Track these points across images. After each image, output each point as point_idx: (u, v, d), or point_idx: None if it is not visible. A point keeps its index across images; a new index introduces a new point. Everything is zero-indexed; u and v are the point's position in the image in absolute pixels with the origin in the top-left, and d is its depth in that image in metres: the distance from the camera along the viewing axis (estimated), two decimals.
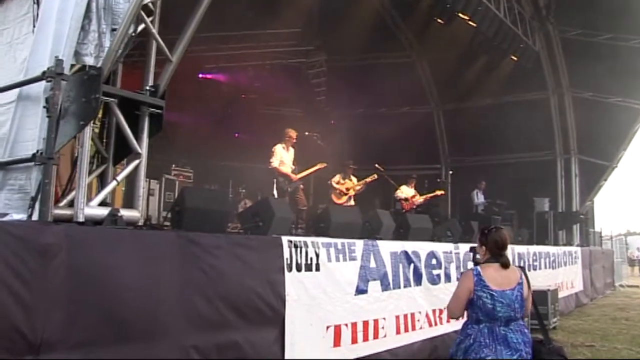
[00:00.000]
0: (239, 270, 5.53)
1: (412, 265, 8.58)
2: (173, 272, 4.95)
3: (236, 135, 19.96)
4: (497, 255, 4.83)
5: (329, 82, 20.43)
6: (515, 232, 15.13)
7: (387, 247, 8.08)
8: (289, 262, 6.17)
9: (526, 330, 4.75)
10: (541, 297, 11.67)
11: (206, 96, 18.18)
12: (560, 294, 13.73)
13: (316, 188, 18.50)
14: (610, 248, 25.81)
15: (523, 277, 4.80)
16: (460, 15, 14.58)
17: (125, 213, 5.30)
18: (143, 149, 5.59)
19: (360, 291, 7.35)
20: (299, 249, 6.33)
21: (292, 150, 12.08)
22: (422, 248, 8.97)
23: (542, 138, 19.81)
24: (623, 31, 16.88)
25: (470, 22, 14.85)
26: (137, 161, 5.53)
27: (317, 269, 6.59)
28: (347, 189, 13.92)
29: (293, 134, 12.03)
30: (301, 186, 12.18)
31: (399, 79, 19.48)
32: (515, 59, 17.28)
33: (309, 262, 6.46)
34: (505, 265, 4.78)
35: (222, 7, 15.09)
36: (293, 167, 12.01)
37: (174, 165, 14.98)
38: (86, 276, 4.30)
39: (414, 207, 15.87)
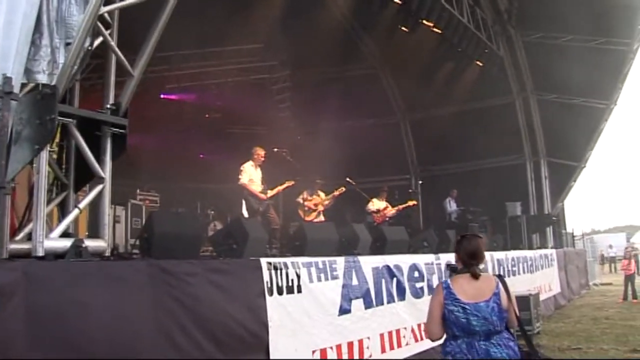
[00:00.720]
0: (216, 297, 5.14)
1: (394, 279, 8.27)
2: (145, 304, 4.53)
3: (201, 156, 19.53)
4: (468, 264, 4.43)
5: (293, 98, 20.12)
6: (490, 238, 15.00)
7: (369, 263, 7.75)
8: (269, 285, 5.79)
9: (512, 344, 4.27)
10: (523, 302, 11.41)
11: (169, 117, 17.70)
12: (540, 298, 13.53)
13: (286, 206, 18.19)
14: (582, 248, 25.87)
15: (500, 286, 4.33)
16: (425, 22, 14.43)
17: (90, 243, 4.86)
18: (106, 173, 5.14)
19: (344, 311, 6.99)
20: (279, 271, 5.95)
21: (259, 169, 11.80)
22: (403, 261, 8.68)
23: (510, 142, 19.77)
24: (584, 32, 16.96)
25: (435, 29, 14.71)
26: (100, 186, 5.07)
27: (299, 291, 6.22)
28: (316, 205, 13.66)
29: (261, 152, 11.77)
30: (271, 204, 11.82)
31: (364, 91, 19.41)
32: (480, 64, 17.16)
33: (290, 284, 6.08)
34: (475, 275, 4.36)
35: (183, 25, 14.90)
36: (262, 186, 11.69)
37: (138, 190, 14.46)
38: (49, 317, 3.87)
39: (386, 219, 15.62)
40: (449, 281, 4.43)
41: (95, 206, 5.41)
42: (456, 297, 4.28)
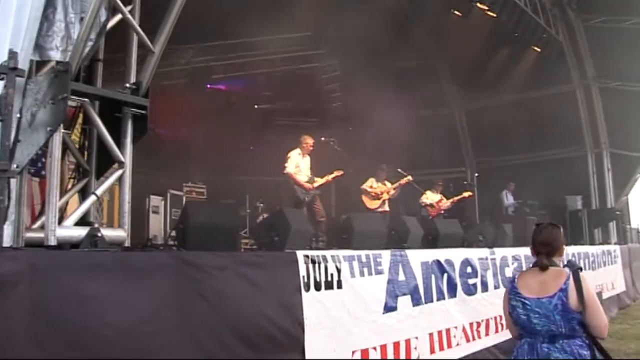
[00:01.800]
0: (247, 293, 4.74)
1: (445, 275, 7.73)
2: (166, 300, 4.16)
3: (251, 148, 19.26)
4: (539, 255, 4.08)
5: (344, 87, 19.67)
6: None
7: (417, 257, 7.23)
8: (306, 280, 5.35)
9: (585, 352, 3.77)
10: None
11: (216, 108, 17.44)
12: (603, 297, 12.78)
13: (338, 198, 17.84)
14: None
15: (569, 282, 3.84)
16: (479, 5, 13.82)
17: (108, 233, 4.52)
18: (127, 157, 4.79)
19: (389, 308, 6.49)
20: (317, 265, 5.51)
21: (307, 158, 11.48)
22: (455, 256, 8.12)
23: (570, 133, 18.92)
24: None
25: (489, 12, 14.08)
26: (120, 171, 4.73)
27: (339, 286, 5.76)
28: (381, 193, 13.30)
29: (310, 140, 11.41)
30: (318, 195, 11.43)
31: (417, 80, 18.71)
32: (538, 50, 16.39)
33: (329, 279, 5.63)
34: (542, 267, 3.98)
35: (227, 14, 14.69)
36: (309, 175, 11.33)
37: (185, 183, 14.28)
38: (56, 312, 3.52)
39: (441, 212, 15.15)
40: (515, 275, 4.19)
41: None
42: (518, 291, 3.99)
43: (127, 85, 4.90)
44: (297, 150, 11.30)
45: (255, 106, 19.13)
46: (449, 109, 21.29)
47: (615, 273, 15.88)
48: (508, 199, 17.66)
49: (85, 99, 4.58)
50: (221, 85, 17.92)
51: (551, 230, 4.22)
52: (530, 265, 4.28)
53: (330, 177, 11.61)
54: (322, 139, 12.07)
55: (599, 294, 11.74)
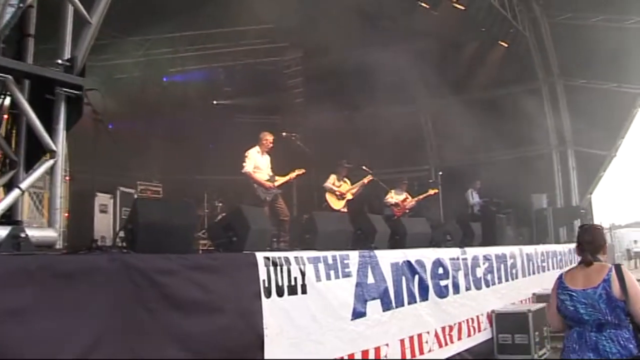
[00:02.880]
0: (198, 301, 4.16)
1: (416, 277, 7.27)
2: (103, 311, 3.56)
3: (211, 145, 18.56)
4: (583, 253, 4.41)
5: (307, 83, 19.13)
6: (515, 231, 14.05)
7: (387, 258, 6.74)
8: (266, 284, 4.79)
9: (631, 346, 4.06)
10: None
11: (173, 103, 16.75)
12: None
13: (300, 197, 17.31)
14: (611, 242, 24.69)
15: (612, 273, 4.17)
16: None
17: (35, 233, 3.88)
18: (59, 145, 4.13)
19: (358, 314, 5.97)
20: (278, 268, 4.95)
21: (267, 156, 11.03)
22: (426, 256, 7.68)
23: (535, 131, 18.63)
24: (616, 11, 15.91)
25: (458, 5, 13.67)
26: (51, 162, 4.08)
27: (304, 291, 5.21)
28: (345, 192, 12.86)
29: (269, 137, 10.95)
30: (280, 194, 10.93)
31: (381, 77, 18.27)
32: (505, 45, 16.09)
33: (292, 283, 5.07)
34: (587, 263, 4.32)
35: (187, 5, 14.11)
36: (270, 174, 10.83)
37: (140, 181, 13.56)
38: None
39: (406, 211, 14.79)
40: (562, 272, 4.52)
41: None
42: (565, 285, 4.33)
43: (60, 61, 4.22)
44: (256, 149, 10.86)
45: (214, 102, 18.43)
46: (413, 106, 20.90)
47: None
48: (473, 197, 17.35)
49: (8, 76, 3.90)
50: (178, 78, 17.16)
51: (594, 230, 4.56)
52: (575, 263, 4.56)
53: (292, 175, 11.19)
54: (284, 134, 11.58)
55: None
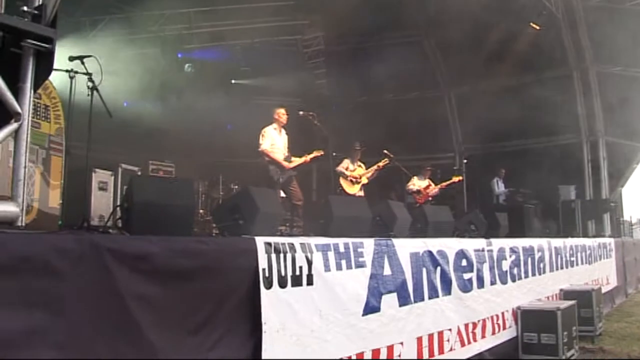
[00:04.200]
0: (185, 291, 3.58)
1: (438, 269, 6.63)
2: (66, 302, 3.00)
3: (228, 127, 18.08)
4: None
5: (329, 64, 18.59)
6: (541, 223, 13.42)
7: (406, 247, 6.09)
8: (267, 274, 4.19)
9: None
10: (585, 298, 9.98)
11: (188, 80, 16.25)
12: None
13: (319, 182, 16.85)
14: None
15: None
16: None
17: None
18: (25, 107, 3.53)
19: (371, 309, 5.34)
20: (281, 255, 4.35)
21: (284, 135, 10.56)
22: (449, 246, 7.02)
23: (565, 120, 18.15)
24: None
25: None
26: (14, 125, 3.50)
27: (310, 282, 4.60)
28: (359, 177, 12.45)
29: (283, 114, 10.53)
30: (295, 177, 10.42)
31: (406, 60, 17.69)
32: (536, 28, 15.34)
33: (297, 272, 4.47)
34: None
35: None
36: (286, 153, 10.35)
37: (152, 160, 13.17)
38: None
39: (429, 199, 14.40)
40: None
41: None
42: None
43: (26, 9, 3.62)
44: (273, 126, 10.42)
45: (233, 81, 17.91)
46: (438, 91, 20.39)
47: (610, 267, 15.08)
48: (499, 187, 16.83)
49: None
50: (195, 55, 16.64)
51: None
52: None
53: (309, 157, 10.73)
54: (301, 113, 11.03)
55: (599, 290, 10.82)
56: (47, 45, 3.58)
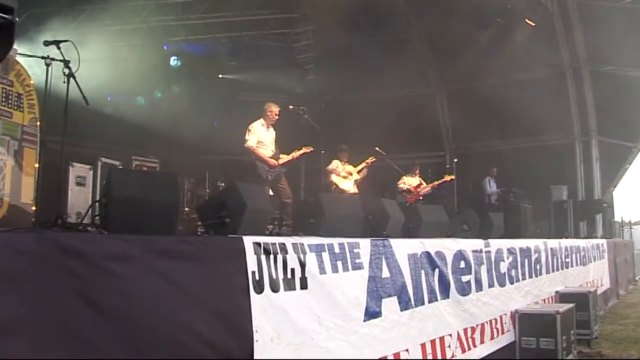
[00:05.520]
0: (165, 297, 3.18)
1: (436, 271, 6.30)
2: (29, 310, 2.59)
3: (215, 123, 17.68)
4: None
5: (318, 59, 18.30)
6: (534, 224, 13.19)
7: (404, 248, 5.73)
8: (257, 277, 3.80)
9: None
10: (582, 301, 9.69)
11: (173, 72, 15.84)
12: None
13: (308, 180, 16.49)
14: (630, 239, 23.78)
15: None
16: None
17: None
18: None
19: (372, 314, 4.98)
20: (272, 256, 3.97)
21: (272, 130, 10.19)
22: (447, 247, 6.70)
23: (557, 119, 17.91)
24: None
25: None
26: None
27: (304, 286, 4.22)
28: (349, 173, 12.31)
29: (275, 108, 10.13)
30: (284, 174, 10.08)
31: (395, 57, 17.45)
32: (531, 24, 15.07)
33: (289, 275, 4.09)
34: None
35: None
36: (274, 150, 9.97)
37: (135, 156, 12.77)
38: None
39: (419, 198, 14.09)
40: None
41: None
42: None
43: None
44: (260, 121, 10.04)
45: (220, 76, 17.51)
46: (428, 89, 20.12)
47: (603, 269, 14.92)
48: (491, 186, 16.69)
49: None
50: (181, 47, 16.23)
51: None
52: None
53: (297, 153, 10.40)
54: (290, 107, 10.68)
55: (595, 292, 10.55)
56: (6, 16, 3.17)
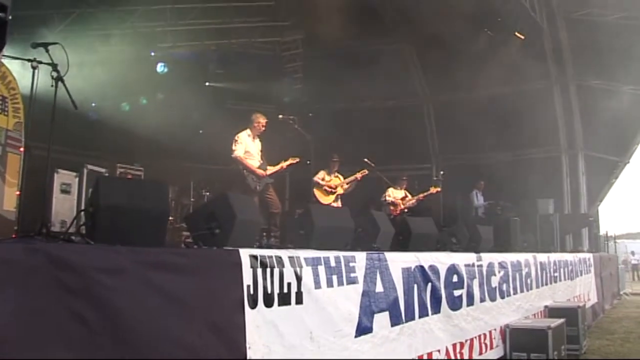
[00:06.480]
0: (157, 311, 3.04)
1: (429, 285, 6.19)
2: (15, 324, 2.43)
3: (200, 131, 17.49)
4: None
5: (306, 68, 18.16)
6: (520, 237, 13.17)
7: (398, 262, 5.62)
8: (252, 292, 3.67)
9: None
10: (571, 316, 9.51)
11: (160, 79, 15.65)
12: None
13: (292, 190, 16.33)
14: (614, 253, 23.87)
15: None
16: None
17: None
18: None
19: (363, 330, 4.85)
20: (268, 270, 3.83)
21: (258, 141, 10.10)
22: (441, 261, 6.59)
23: (544, 133, 18.12)
24: (636, 8, 15.18)
25: None
26: None
27: (299, 301, 4.10)
28: (335, 187, 12.13)
29: (262, 120, 10.02)
30: (271, 184, 9.96)
31: (385, 68, 17.38)
32: (521, 37, 15.07)
33: (285, 290, 3.95)
34: None
35: None
36: (260, 160, 9.90)
37: (120, 164, 12.57)
38: None
39: (405, 210, 13.99)
40: None
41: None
42: None
43: None
44: (247, 132, 9.94)
45: (207, 83, 17.34)
46: (417, 99, 20.08)
47: (590, 283, 14.86)
48: (478, 199, 16.59)
49: None
50: (168, 54, 16.04)
51: None
52: None
53: (284, 164, 10.23)
54: (280, 116, 10.57)
55: (584, 307, 10.48)
56: (0, 14, 3.03)
